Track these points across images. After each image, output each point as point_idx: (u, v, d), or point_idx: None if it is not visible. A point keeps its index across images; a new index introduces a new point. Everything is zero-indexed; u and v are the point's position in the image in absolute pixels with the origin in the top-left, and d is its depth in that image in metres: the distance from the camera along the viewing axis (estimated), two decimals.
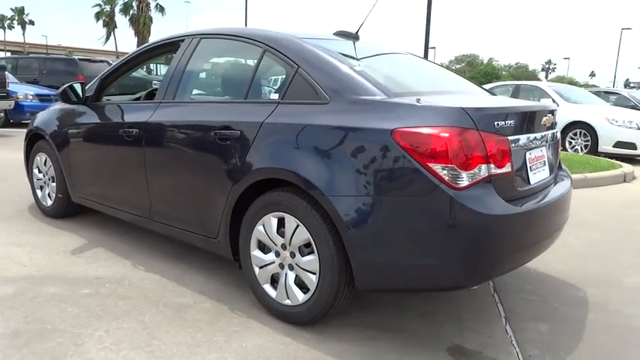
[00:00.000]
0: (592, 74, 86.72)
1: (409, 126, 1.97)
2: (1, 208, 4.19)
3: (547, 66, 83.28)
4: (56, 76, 13.22)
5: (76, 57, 13.93)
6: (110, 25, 39.46)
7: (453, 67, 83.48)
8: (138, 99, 3.79)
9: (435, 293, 2.73)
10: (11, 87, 10.16)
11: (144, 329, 2.30)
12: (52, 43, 58.33)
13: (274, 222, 2.35)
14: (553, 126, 2.56)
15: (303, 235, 2.23)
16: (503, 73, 76.28)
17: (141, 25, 36.30)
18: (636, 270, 3.27)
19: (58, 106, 4.00)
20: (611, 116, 8.45)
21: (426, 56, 14.24)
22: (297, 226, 2.25)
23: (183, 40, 3.03)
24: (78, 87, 3.45)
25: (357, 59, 2.53)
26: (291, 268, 2.33)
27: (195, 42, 2.95)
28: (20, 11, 64.84)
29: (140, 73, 16.86)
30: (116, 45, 42.38)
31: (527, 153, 2.29)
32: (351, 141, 2.09)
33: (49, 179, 3.93)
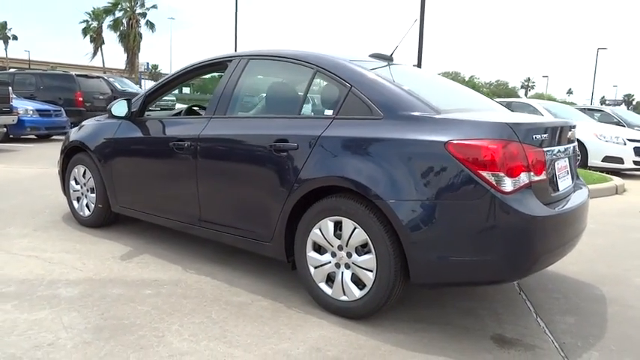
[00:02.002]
0: (569, 92, 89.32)
1: (462, 138, 2.26)
2: (37, 219, 4.35)
3: (526, 83, 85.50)
4: (53, 91, 13.35)
5: (74, 73, 14.03)
6: (97, 41, 39.50)
7: None
8: (177, 114, 4.03)
9: (471, 291, 3.00)
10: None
11: (214, 324, 2.51)
12: (34, 58, 57.92)
13: (331, 225, 2.60)
14: (573, 140, 2.87)
15: (360, 236, 2.49)
16: (484, 90, 78.05)
17: (131, 41, 36.44)
18: None
19: (96, 120, 4.22)
20: (600, 132, 8.92)
21: None
22: (355, 228, 2.50)
23: (230, 61, 3.29)
24: (124, 103, 3.67)
25: (400, 79, 2.82)
26: (347, 266, 2.58)
27: (244, 62, 3.21)
28: (2, 26, 64.34)
29: (135, 88, 17.05)
30: (103, 61, 42.52)
31: (556, 163, 2.59)
32: (407, 152, 2.37)
33: (88, 190, 4.12)
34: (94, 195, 4.06)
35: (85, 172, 4.13)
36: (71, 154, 4.27)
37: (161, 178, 3.50)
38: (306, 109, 2.93)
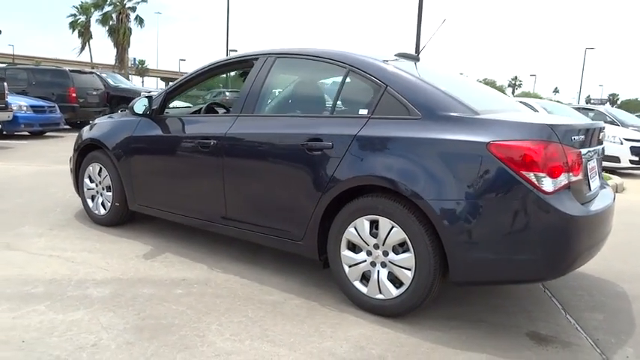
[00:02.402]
0: (556, 90, 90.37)
1: (503, 139, 2.29)
2: (50, 218, 4.30)
3: (513, 82, 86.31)
4: (45, 87, 13.15)
5: (67, 68, 13.84)
6: (85, 36, 38.79)
7: None
8: (197, 112, 4.01)
9: (498, 288, 3.04)
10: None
11: (253, 323, 2.52)
12: (19, 53, 56.88)
13: (367, 224, 2.61)
14: (602, 141, 2.92)
15: (398, 235, 2.51)
16: None
17: (121, 36, 35.96)
18: None
19: (111, 118, 4.18)
20: None
21: None
22: (392, 227, 2.52)
23: (257, 59, 3.28)
24: (145, 101, 3.64)
25: (432, 79, 2.83)
26: (383, 265, 2.60)
27: (271, 61, 3.20)
28: None
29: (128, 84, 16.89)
30: (91, 56, 41.75)
31: (588, 164, 2.64)
32: (448, 152, 2.39)
33: (104, 189, 4.08)
34: (110, 193, 4.02)
35: (100, 170, 4.09)
36: (85, 152, 4.22)
37: (184, 177, 3.48)
38: (340, 108, 2.93)
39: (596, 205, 2.58)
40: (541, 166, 2.24)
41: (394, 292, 2.56)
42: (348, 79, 2.86)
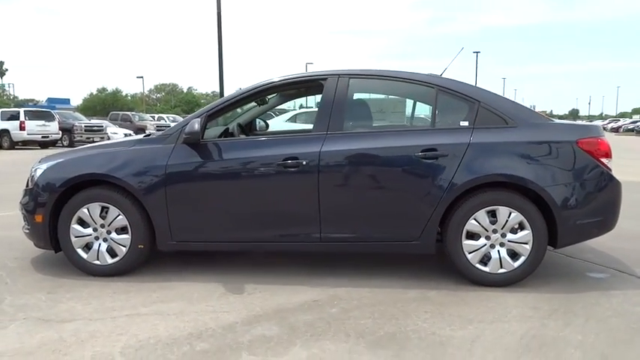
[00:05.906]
0: None
1: (586, 137, 3.22)
2: (19, 283, 3.36)
3: None
4: None
5: None
6: None
7: (154, 96, 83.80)
8: (225, 134, 3.75)
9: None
10: None
11: (442, 314, 2.82)
12: None
13: (486, 214, 3.20)
14: None
15: (517, 218, 3.18)
16: (202, 101, 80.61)
17: None
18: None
19: (117, 147, 3.56)
20: None
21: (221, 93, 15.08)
22: (510, 213, 3.18)
23: (325, 79, 3.42)
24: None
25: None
26: (502, 245, 3.23)
27: (345, 81, 3.39)
28: None
29: None
30: None
31: None
32: (548, 149, 3.19)
33: (111, 232, 3.43)
34: (125, 236, 3.42)
35: (104, 211, 3.42)
36: (69, 193, 3.44)
37: (258, 201, 3.33)
38: (439, 121, 3.38)
39: None
40: (607, 154, 3.26)
41: (515, 264, 3.22)
42: (439, 97, 3.36)
